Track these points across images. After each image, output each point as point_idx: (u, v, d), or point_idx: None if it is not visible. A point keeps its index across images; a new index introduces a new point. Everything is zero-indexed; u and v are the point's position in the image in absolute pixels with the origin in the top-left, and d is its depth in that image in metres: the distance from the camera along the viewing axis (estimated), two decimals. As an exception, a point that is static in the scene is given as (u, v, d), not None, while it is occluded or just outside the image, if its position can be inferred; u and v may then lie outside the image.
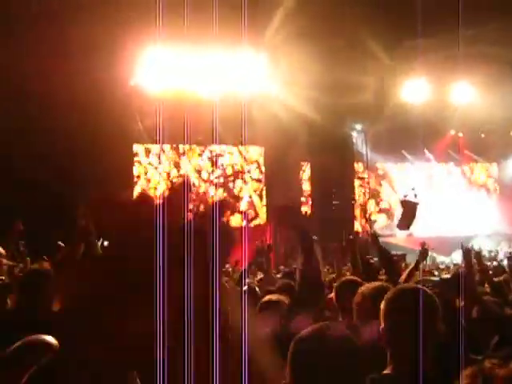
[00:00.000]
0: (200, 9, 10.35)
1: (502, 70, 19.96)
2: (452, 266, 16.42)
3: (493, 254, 20.14)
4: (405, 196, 21.17)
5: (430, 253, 18.73)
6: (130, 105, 17.24)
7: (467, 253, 3.63)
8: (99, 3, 13.61)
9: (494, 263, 15.61)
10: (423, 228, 23.05)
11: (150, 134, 18.29)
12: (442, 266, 16.81)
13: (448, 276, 3.58)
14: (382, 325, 2.00)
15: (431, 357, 1.94)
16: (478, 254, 5.89)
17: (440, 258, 19.13)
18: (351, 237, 6.10)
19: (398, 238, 20.61)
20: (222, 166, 19.96)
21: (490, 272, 8.38)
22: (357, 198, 20.11)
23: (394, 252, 18.22)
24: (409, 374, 1.86)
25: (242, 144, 19.37)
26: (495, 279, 6.10)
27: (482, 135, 23.63)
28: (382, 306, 2.03)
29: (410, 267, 5.42)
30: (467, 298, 3.44)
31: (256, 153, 20.07)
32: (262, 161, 20.05)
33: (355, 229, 19.33)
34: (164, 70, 17.55)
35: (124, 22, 14.23)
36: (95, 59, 14.35)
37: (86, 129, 14.98)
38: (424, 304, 1.92)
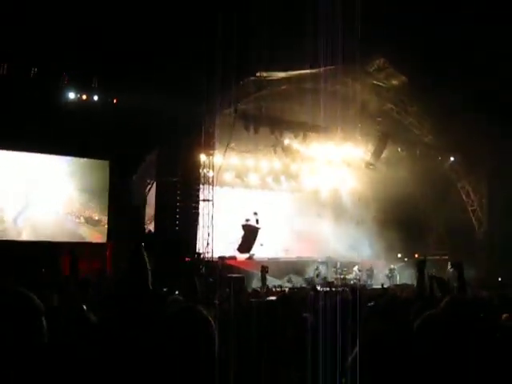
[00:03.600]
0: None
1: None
2: (287, 289, 17.11)
3: (325, 280, 21.27)
4: (247, 220, 21.77)
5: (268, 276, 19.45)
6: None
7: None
8: None
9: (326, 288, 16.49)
10: (263, 252, 23.82)
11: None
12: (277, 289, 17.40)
13: (274, 298, 3.78)
14: None
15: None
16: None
17: (276, 281, 19.81)
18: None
19: (238, 261, 21.05)
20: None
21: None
22: (201, 218, 20.21)
23: (234, 275, 18.71)
24: None
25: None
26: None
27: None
28: None
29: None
30: (287, 318, 3.67)
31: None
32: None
33: (197, 250, 19.47)
34: None
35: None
36: None
37: None
38: (199, 322, 2.07)
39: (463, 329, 2.33)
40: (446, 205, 24.19)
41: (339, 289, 16.46)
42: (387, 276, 22.45)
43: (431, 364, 2.23)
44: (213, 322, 2.04)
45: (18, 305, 2.02)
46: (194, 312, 2.11)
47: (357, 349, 1.92)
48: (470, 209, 25.03)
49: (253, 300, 5.37)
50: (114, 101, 18.39)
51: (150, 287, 2.72)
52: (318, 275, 21.86)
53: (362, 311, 3.89)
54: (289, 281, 20.70)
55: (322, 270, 22.62)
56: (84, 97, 18.16)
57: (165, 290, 8.64)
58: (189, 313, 2.10)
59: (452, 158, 25.01)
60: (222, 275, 18.11)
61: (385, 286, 16.07)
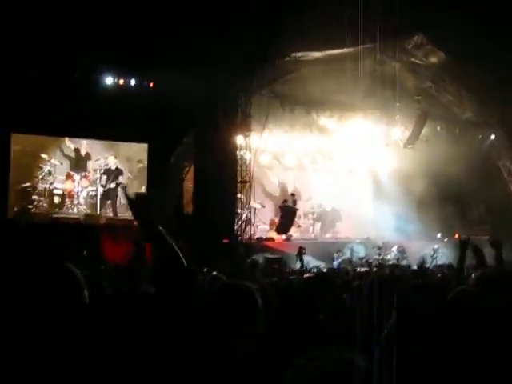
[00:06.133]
0: None
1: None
2: (326, 270, 17.07)
3: (363, 261, 21.14)
4: (284, 201, 21.74)
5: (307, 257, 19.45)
6: None
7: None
8: None
9: (363, 269, 16.41)
10: (301, 233, 23.81)
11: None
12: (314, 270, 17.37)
13: (311, 275, 3.82)
14: None
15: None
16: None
17: (314, 262, 19.78)
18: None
19: (276, 242, 21.08)
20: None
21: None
22: (238, 200, 20.30)
23: (270, 255, 18.80)
24: None
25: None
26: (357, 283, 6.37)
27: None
28: None
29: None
30: (325, 295, 3.71)
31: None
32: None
33: (235, 231, 19.61)
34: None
35: None
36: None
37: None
38: (243, 299, 2.09)
39: (492, 304, 2.32)
40: (487, 183, 23.71)
41: (376, 269, 16.42)
42: (431, 256, 22.07)
43: (462, 337, 2.24)
44: (259, 298, 2.07)
45: (64, 279, 2.11)
46: (239, 286, 2.14)
47: (393, 321, 1.93)
48: (511, 187, 24.51)
49: (291, 278, 5.40)
50: (151, 84, 18.56)
51: (185, 265, 2.70)
52: (355, 256, 21.74)
53: (400, 291, 3.88)
54: (327, 261, 20.64)
55: (361, 250, 22.48)
56: (121, 81, 18.37)
57: (205, 270, 8.81)
58: (234, 287, 2.13)
59: (493, 136, 24.48)
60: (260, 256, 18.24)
61: (426, 267, 15.85)
